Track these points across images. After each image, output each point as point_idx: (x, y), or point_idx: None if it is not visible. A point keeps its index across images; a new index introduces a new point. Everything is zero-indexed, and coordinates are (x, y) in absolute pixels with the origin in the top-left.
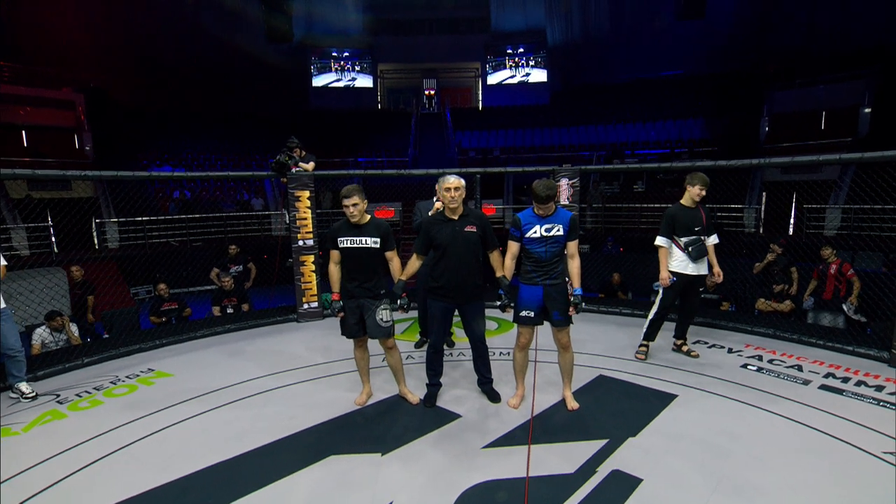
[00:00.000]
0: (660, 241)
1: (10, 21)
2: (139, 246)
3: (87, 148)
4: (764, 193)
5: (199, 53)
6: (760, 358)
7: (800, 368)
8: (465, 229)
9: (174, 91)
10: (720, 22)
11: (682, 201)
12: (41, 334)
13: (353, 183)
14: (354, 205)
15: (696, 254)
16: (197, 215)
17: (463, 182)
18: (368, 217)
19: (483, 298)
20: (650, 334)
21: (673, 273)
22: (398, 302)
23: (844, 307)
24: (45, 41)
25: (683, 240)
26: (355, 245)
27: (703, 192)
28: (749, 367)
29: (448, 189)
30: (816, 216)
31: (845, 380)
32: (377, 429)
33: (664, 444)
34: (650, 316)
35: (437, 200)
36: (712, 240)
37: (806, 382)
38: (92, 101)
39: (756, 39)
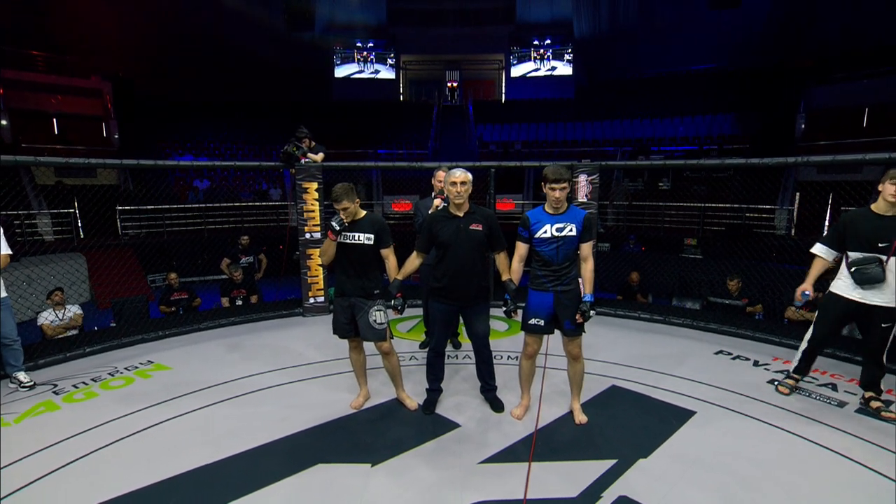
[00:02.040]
0: (815, 248)
1: (41, 10)
2: (158, 234)
3: (115, 136)
4: (798, 194)
5: (223, 43)
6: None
7: (834, 388)
8: (471, 227)
9: (197, 80)
10: (756, 12)
11: (872, 205)
12: (46, 316)
13: (371, 173)
14: (345, 209)
15: (861, 277)
16: (212, 204)
17: (470, 176)
18: (364, 213)
19: (488, 301)
20: (801, 368)
21: (834, 295)
22: (392, 302)
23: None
24: (73, 30)
25: (853, 256)
26: (348, 241)
27: None
28: (777, 383)
29: (454, 183)
30: None
31: (888, 403)
32: (370, 436)
33: (679, 467)
34: (801, 345)
35: (435, 197)
36: None
37: (841, 404)
38: (118, 90)
39: (794, 31)
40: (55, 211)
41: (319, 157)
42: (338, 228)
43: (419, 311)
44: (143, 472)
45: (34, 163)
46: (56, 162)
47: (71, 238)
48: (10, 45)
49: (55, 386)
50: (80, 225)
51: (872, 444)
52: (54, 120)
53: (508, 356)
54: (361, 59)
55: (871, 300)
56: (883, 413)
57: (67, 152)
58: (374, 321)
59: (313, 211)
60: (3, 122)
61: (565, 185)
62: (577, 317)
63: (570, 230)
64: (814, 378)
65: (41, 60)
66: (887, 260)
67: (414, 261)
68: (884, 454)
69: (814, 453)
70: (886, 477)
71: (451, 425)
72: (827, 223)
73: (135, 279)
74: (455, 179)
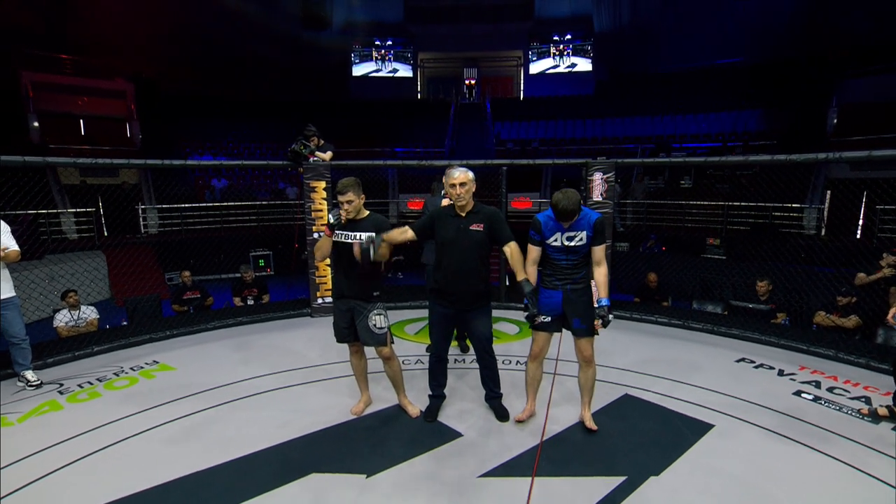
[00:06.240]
0: None
1: (68, 14)
2: (177, 232)
3: (139, 137)
4: (828, 192)
5: (242, 43)
6: (818, 385)
7: (868, 401)
8: (471, 227)
9: (218, 80)
10: (783, 2)
11: None
12: (62, 317)
13: (387, 172)
14: (349, 202)
15: None
16: (229, 203)
17: (470, 175)
18: (367, 212)
19: (489, 305)
20: None
21: None
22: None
23: None
24: (99, 32)
25: None
26: (349, 241)
27: None
28: (804, 394)
29: (453, 185)
30: (891, 218)
31: None
32: (368, 444)
33: (693, 488)
34: None
35: (444, 195)
36: None
37: (876, 420)
38: (141, 91)
39: (825, 21)
40: (76, 210)
41: (328, 155)
42: (333, 222)
43: (423, 312)
44: (135, 477)
45: (42, 163)
46: (66, 163)
47: (93, 236)
48: (39, 49)
49: (61, 385)
50: (103, 223)
51: None
52: (81, 121)
53: (517, 361)
54: (379, 58)
55: None
56: None
57: (94, 153)
58: (374, 325)
59: (321, 210)
60: (35, 125)
61: (576, 216)
62: (596, 323)
63: (581, 239)
64: (845, 390)
65: (68, 63)
66: None
67: (406, 231)
68: None
69: (843, 474)
70: None
71: (453, 434)
72: (861, 222)
73: (153, 277)
74: (454, 181)
